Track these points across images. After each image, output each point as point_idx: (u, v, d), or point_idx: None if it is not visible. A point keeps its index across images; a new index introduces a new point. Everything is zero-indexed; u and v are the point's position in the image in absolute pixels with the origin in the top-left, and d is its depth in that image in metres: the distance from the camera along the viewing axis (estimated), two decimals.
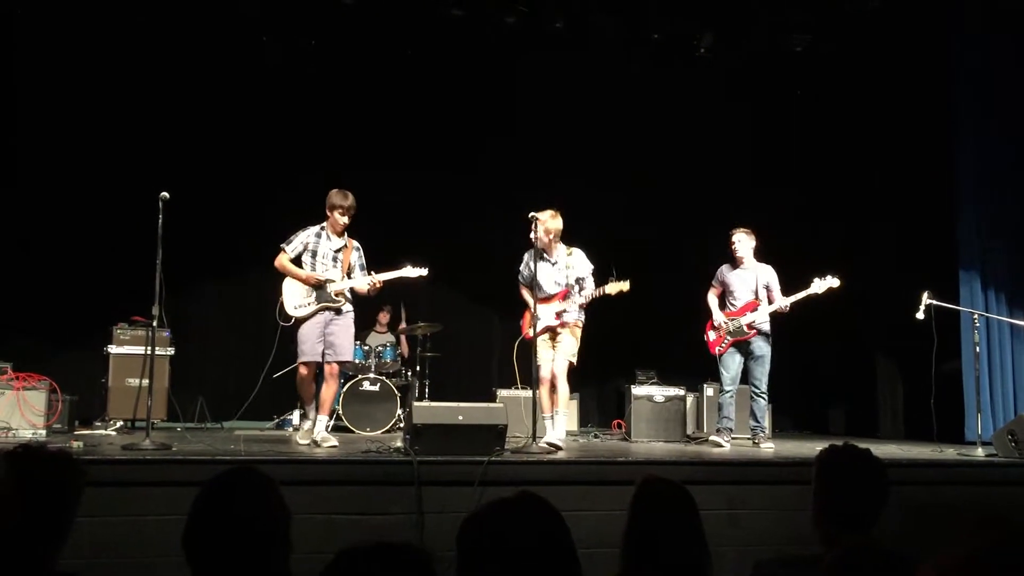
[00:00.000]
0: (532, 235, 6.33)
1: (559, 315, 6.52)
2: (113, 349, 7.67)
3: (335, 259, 6.35)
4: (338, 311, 6.29)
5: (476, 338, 9.82)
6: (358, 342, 8.31)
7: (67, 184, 8.36)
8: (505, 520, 1.79)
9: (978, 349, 7.03)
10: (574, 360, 6.63)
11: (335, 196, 6.31)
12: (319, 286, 6.25)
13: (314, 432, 6.19)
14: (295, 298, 6.25)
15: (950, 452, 6.57)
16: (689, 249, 9.04)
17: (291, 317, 6.21)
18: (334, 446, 5.96)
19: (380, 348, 8.50)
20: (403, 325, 8.78)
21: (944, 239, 8.19)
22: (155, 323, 5.74)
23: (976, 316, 7.03)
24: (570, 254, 6.64)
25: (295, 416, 8.13)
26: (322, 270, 6.29)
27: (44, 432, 6.31)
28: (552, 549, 1.78)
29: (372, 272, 6.38)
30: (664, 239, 9.66)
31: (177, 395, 7.78)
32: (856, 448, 2.73)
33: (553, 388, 6.54)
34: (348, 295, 6.36)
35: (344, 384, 7.97)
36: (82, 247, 8.36)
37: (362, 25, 8.70)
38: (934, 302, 6.77)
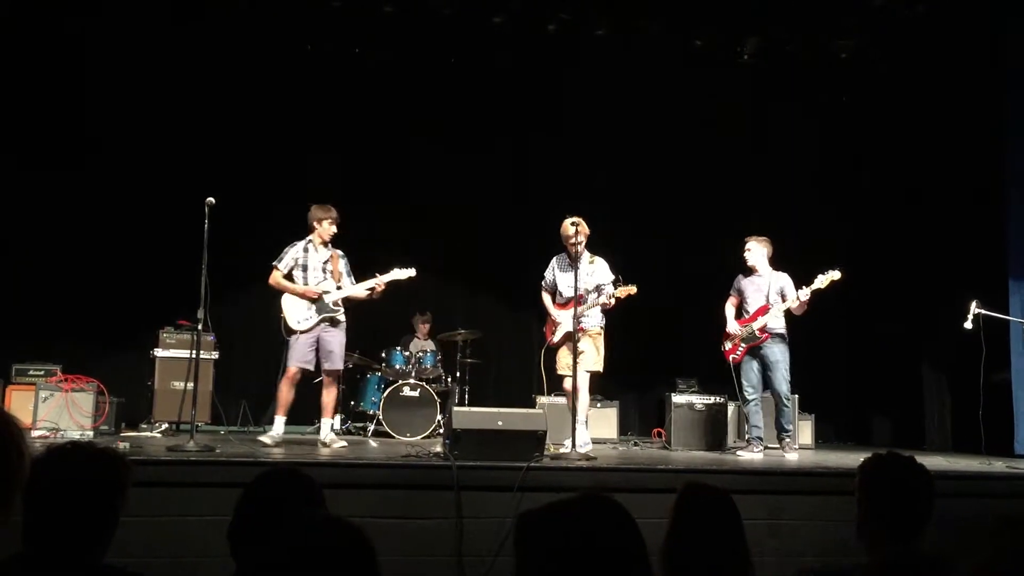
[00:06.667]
0: (573, 240, 6.40)
1: (578, 319, 6.41)
2: (159, 352, 7.77)
3: (324, 270, 6.63)
4: (334, 322, 6.57)
5: (515, 344, 9.79)
6: (399, 348, 8.41)
7: (115, 189, 8.49)
8: (571, 520, 1.68)
9: None
10: (598, 369, 6.64)
11: (319, 210, 6.63)
12: (318, 298, 6.51)
13: (321, 435, 6.52)
14: (297, 313, 6.54)
15: (999, 465, 6.41)
16: (732, 255, 8.96)
17: (295, 331, 6.49)
18: (344, 446, 6.26)
19: (420, 354, 8.52)
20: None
21: (994, 247, 8.03)
22: (200, 327, 5.83)
23: None
24: (592, 262, 6.67)
25: (336, 421, 8.20)
26: (315, 282, 6.58)
27: (91, 433, 6.42)
28: (620, 555, 1.67)
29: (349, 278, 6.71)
30: (707, 245, 9.58)
31: (221, 399, 7.86)
32: (901, 457, 2.69)
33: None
34: (342, 304, 6.64)
35: (384, 390, 8.05)
36: (130, 252, 8.49)
37: (404, 33, 8.77)
38: (983, 311, 6.64)
